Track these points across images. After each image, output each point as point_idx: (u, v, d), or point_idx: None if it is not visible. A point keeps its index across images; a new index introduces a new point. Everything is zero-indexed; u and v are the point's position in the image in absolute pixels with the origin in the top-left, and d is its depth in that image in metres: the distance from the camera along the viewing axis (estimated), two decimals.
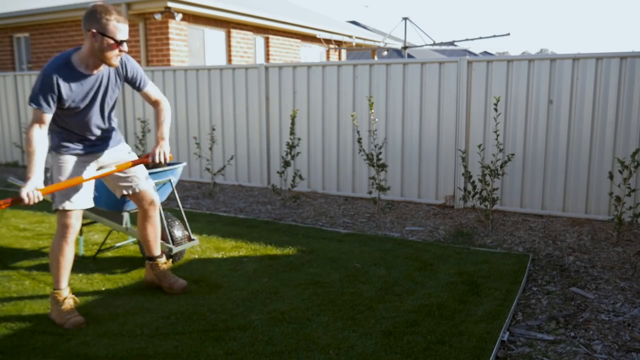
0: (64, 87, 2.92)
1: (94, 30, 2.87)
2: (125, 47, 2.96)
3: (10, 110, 9.52)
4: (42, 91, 2.88)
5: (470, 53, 25.85)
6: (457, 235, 4.95)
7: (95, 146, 3.25)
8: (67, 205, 3.10)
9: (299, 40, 14.41)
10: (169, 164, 4.42)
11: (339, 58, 16.30)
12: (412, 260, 4.20)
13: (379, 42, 17.04)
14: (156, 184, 4.13)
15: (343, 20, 21.54)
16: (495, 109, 5.39)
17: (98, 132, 3.21)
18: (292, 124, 6.21)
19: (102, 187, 4.01)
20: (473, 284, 3.67)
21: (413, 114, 6.24)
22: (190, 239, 4.28)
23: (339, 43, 15.71)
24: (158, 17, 10.21)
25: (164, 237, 4.13)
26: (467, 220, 5.54)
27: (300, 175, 6.29)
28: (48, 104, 2.90)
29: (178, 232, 4.16)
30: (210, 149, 7.03)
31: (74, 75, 2.96)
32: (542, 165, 5.69)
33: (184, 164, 4.48)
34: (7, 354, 2.78)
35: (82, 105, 3.04)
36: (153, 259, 3.62)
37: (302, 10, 17.01)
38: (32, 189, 2.89)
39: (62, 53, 2.99)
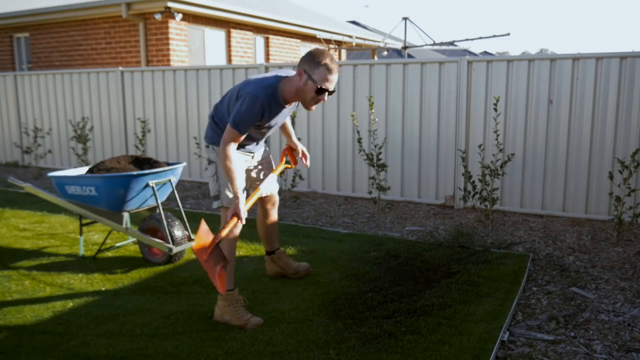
0: (266, 115, 3.01)
1: (304, 70, 2.89)
2: (326, 97, 2.96)
3: (10, 110, 9.52)
4: (249, 117, 2.94)
5: (470, 53, 25.84)
6: (457, 235, 4.95)
7: (255, 146, 3.42)
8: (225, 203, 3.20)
9: (299, 40, 14.41)
10: (169, 164, 4.43)
11: (339, 58, 16.30)
12: (412, 260, 4.20)
13: (379, 42, 17.04)
14: (156, 184, 4.13)
15: (343, 20, 21.54)
16: (495, 109, 5.39)
17: (262, 139, 3.40)
18: (292, 124, 6.21)
19: (102, 188, 4.01)
20: (473, 284, 3.67)
21: (413, 113, 6.24)
22: (190, 239, 4.28)
23: (339, 43, 15.71)
24: (158, 17, 10.21)
25: (163, 237, 4.13)
26: (467, 220, 5.54)
27: (300, 175, 6.29)
28: (248, 129, 3.00)
29: (178, 232, 4.16)
30: None
31: (276, 105, 3.04)
32: (542, 165, 5.69)
33: (184, 164, 4.48)
34: (7, 354, 2.78)
35: (267, 127, 3.17)
36: (274, 252, 3.78)
37: (302, 10, 17.01)
38: (244, 210, 2.99)
39: (269, 82, 2.99)
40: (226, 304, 3.12)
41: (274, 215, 3.66)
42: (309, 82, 2.89)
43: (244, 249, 4.53)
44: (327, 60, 2.86)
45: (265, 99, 2.94)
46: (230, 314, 3.10)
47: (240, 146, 3.22)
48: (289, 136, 3.60)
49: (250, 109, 2.91)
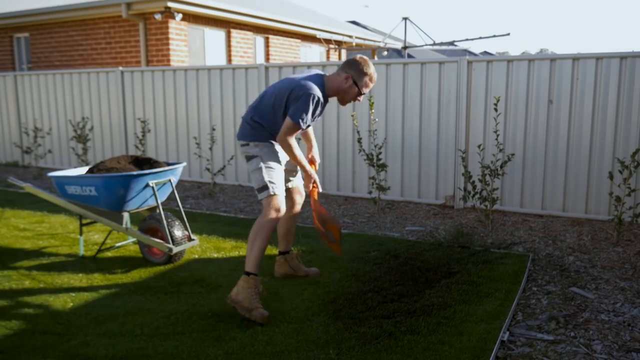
0: (318, 109, 3.37)
1: (351, 76, 3.34)
2: (361, 98, 3.45)
3: (10, 110, 9.52)
4: (311, 114, 3.30)
5: (470, 53, 25.84)
6: (457, 235, 4.95)
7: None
8: (277, 190, 3.41)
9: (299, 40, 14.41)
10: (169, 164, 4.43)
11: (339, 58, 16.30)
12: (412, 260, 4.20)
13: (379, 42, 17.04)
14: (156, 184, 4.13)
15: (343, 20, 21.54)
16: (495, 109, 5.39)
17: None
18: None
19: (102, 188, 4.01)
20: (473, 284, 3.67)
21: (413, 113, 6.24)
22: (190, 239, 4.28)
23: (339, 43, 15.71)
24: (158, 17, 10.21)
25: (163, 237, 4.13)
26: (467, 220, 5.54)
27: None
28: (305, 125, 3.32)
29: (178, 232, 4.16)
30: (210, 149, 7.04)
31: (323, 101, 3.42)
32: (542, 165, 5.69)
33: (184, 164, 4.49)
34: (7, 354, 2.78)
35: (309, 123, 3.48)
36: (288, 252, 3.87)
37: (302, 10, 17.01)
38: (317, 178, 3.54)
39: (318, 82, 3.35)
40: (245, 285, 3.23)
41: (297, 209, 3.81)
42: (353, 87, 3.36)
43: (244, 249, 4.53)
44: (371, 71, 3.36)
45: (321, 96, 3.32)
46: (244, 296, 3.20)
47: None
48: (310, 143, 3.80)
49: (311, 106, 3.27)
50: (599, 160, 5.45)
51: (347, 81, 3.34)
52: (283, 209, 3.40)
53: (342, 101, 3.46)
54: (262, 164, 3.42)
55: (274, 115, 3.40)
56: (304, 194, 3.82)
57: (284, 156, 3.57)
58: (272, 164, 3.43)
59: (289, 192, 3.71)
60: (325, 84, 3.37)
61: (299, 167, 3.68)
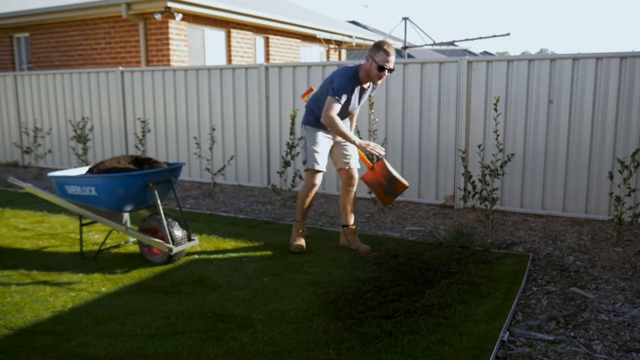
0: (355, 90, 4.10)
1: (370, 56, 4.01)
2: (385, 73, 4.02)
3: (10, 110, 9.52)
4: (345, 87, 4.02)
5: (470, 53, 25.83)
6: (457, 235, 4.95)
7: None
8: (317, 167, 4.25)
9: (299, 40, 14.41)
10: (169, 164, 4.42)
11: (339, 58, 16.30)
12: (412, 260, 4.20)
13: None
14: (156, 184, 4.13)
15: (343, 20, 21.53)
16: (495, 109, 5.39)
17: (345, 119, 4.31)
18: (292, 124, 6.21)
19: (102, 188, 4.01)
20: (473, 284, 3.67)
21: (413, 113, 6.24)
22: (190, 239, 4.28)
23: (339, 43, 15.71)
24: (158, 17, 10.21)
25: (163, 237, 4.13)
26: (467, 220, 5.54)
27: (300, 175, 6.28)
28: (344, 98, 4.02)
29: (178, 232, 4.16)
30: (210, 149, 7.04)
31: (358, 83, 4.13)
32: (542, 165, 5.69)
33: (184, 164, 4.49)
34: (7, 354, 2.78)
35: (351, 104, 4.18)
36: (347, 225, 4.48)
37: (302, 10, 17.01)
38: (369, 143, 4.09)
39: (353, 67, 4.12)
40: (294, 229, 4.49)
41: (351, 191, 4.41)
42: (373, 64, 4.00)
43: (244, 249, 4.53)
44: (385, 47, 3.96)
45: (352, 74, 4.06)
46: (293, 235, 4.48)
47: (324, 127, 4.21)
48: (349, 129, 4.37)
49: (343, 81, 4.02)
50: (599, 160, 5.45)
51: (368, 61, 4.02)
52: (317, 183, 4.29)
53: (373, 80, 4.11)
54: (306, 144, 4.28)
55: (322, 100, 4.13)
56: (356, 176, 4.41)
57: (328, 141, 4.28)
58: (315, 146, 4.25)
59: (343, 172, 4.40)
60: (359, 71, 4.08)
61: (350, 146, 4.33)
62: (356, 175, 4.42)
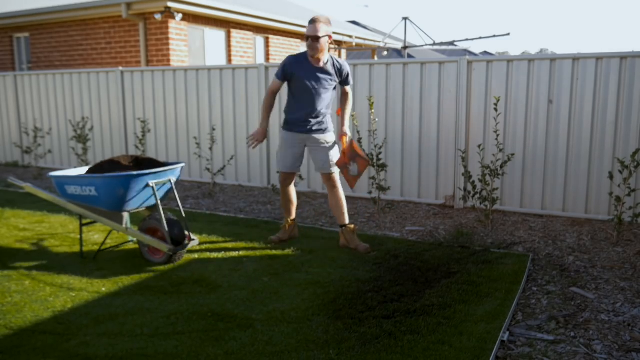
0: (298, 70, 4.25)
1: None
2: (309, 41, 4.14)
3: (10, 110, 9.52)
4: (281, 68, 4.28)
5: (470, 53, 25.84)
6: (457, 235, 4.95)
7: (307, 126, 4.45)
8: (278, 167, 4.55)
9: (299, 40, 14.42)
10: (169, 164, 4.42)
11: (339, 58, 16.29)
12: (412, 260, 4.20)
13: (379, 42, 17.04)
14: (156, 184, 4.13)
15: (343, 20, 21.53)
16: (495, 109, 5.39)
17: (311, 110, 4.40)
18: None
19: (102, 188, 4.01)
20: (473, 284, 3.67)
21: (413, 113, 6.24)
22: (190, 239, 4.28)
23: (339, 43, 15.71)
24: (158, 17, 10.21)
25: (163, 237, 4.13)
26: (467, 220, 5.54)
27: (300, 175, 6.29)
28: (279, 76, 4.34)
29: (178, 232, 4.16)
30: (210, 149, 7.03)
31: (303, 61, 4.28)
32: (542, 165, 5.69)
33: (184, 164, 4.49)
34: (7, 354, 2.78)
35: (303, 83, 4.28)
36: (343, 226, 4.53)
37: (302, 10, 17.01)
38: (257, 132, 4.45)
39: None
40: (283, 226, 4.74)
41: (333, 192, 4.51)
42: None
43: (244, 249, 4.53)
44: (312, 20, 4.14)
45: (298, 55, 4.29)
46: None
47: (293, 125, 4.39)
48: (343, 120, 4.48)
49: (285, 60, 4.29)
50: (599, 160, 5.45)
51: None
52: (286, 182, 4.54)
53: (310, 55, 4.23)
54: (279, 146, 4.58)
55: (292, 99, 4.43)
56: (335, 177, 4.48)
57: (293, 142, 4.42)
58: (279, 148, 4.53)
59: (324, 177, 4.50)
60: (307, 52, 4.27)
61: (322, 150, 4.43)
62: (335, 177, 4.49)
